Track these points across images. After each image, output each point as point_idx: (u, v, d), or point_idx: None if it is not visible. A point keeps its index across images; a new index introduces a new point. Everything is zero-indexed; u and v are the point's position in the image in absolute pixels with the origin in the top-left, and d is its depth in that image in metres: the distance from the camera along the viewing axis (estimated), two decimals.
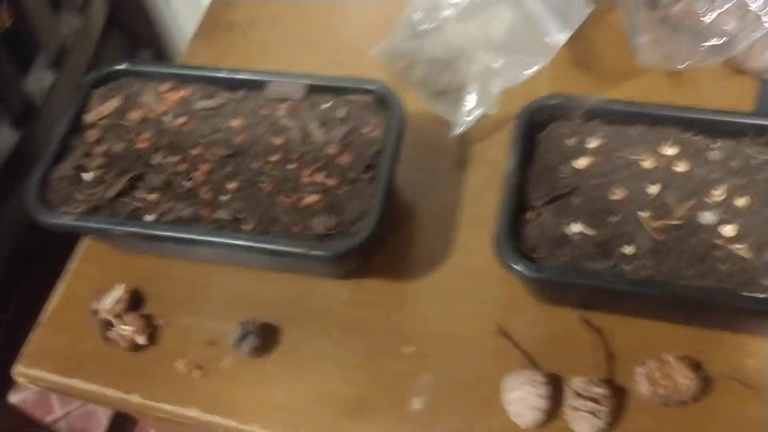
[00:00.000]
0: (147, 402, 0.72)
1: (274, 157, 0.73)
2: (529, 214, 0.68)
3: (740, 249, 0.65)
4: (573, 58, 0.89)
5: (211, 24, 0.99)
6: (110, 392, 0.73)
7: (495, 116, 0.82)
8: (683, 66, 0.79)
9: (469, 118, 0.79)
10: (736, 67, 0.84)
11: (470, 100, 0.79)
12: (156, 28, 1.45)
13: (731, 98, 0.84)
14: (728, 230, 0.66)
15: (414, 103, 0.86)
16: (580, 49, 0.89)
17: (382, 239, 0.78)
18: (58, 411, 1.66)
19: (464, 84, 0.80)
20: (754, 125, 0.70)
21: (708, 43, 0.79)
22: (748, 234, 0.66)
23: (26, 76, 1.12)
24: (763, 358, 0.68)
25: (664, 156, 0.71)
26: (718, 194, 0.68)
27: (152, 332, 0.75)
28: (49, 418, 1.65)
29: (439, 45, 0.81)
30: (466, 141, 0.84)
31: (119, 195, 0.71)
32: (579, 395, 0.65)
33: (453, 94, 0.82)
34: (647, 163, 0.70)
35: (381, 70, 0.89)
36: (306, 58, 0.93)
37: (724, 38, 0.79)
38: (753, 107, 0.82)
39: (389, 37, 0.87)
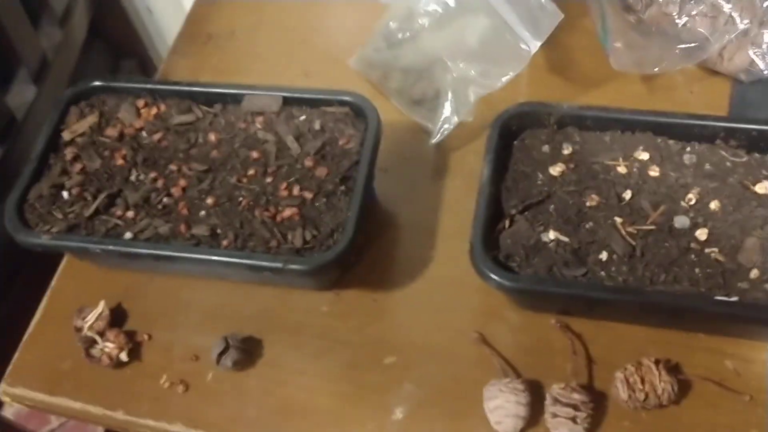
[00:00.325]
0: (131, 418, 0.72)
1: (251, 171, 0.73)
2: (504, 223, 0.69)
3: (714, 252, 0.66)
4: (549, 65, 0.89)
5: (189, 36, 0.99)
6: (94, 409, 0.73)
7: (473, 124, 0.83)
8: (657, 70, 0.80)
9: (446, 127, 0.80)
10: (710, 69, 0.85)
11: (446, 109, 0.79)
12: (139, 38, 1.45)
13: (706, 101, 0.84)
14: (702, 234, 0.67)
15: (391, 112, 0.87)
16: (556, 55, 0.89)
17: (361, 250, 0.78)
18: (53, 422, 1.66)
19: (440, 92, 0.80)
20: (725, 128, 0.70)
21: (681, 46, 0.80)
22: (720, 237, 0.67)
23: (7, 91, 1.12)
24: (742, 360, 0.69)
25: (638, 161, 0.71)
26: (691, 198, 0.69)
27: (135, 348, 0.75)
28: (44, 429, 1.65)
29: (415, 54, 0.82)
30: (444, 150, 0.84)
31: (97, 213, 0.72)
32: (558, 401, 0.66)
33: (429, 102, 0.83)
34: (622, 169, 0.71)
35: (358, 80, 0.89)
36: (283, 69, 0.93)
37: (697, 41, 0.80)
38: (728, 109, 0.83)
39: (365, 47, 0.88)
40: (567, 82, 0.88)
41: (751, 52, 0.81)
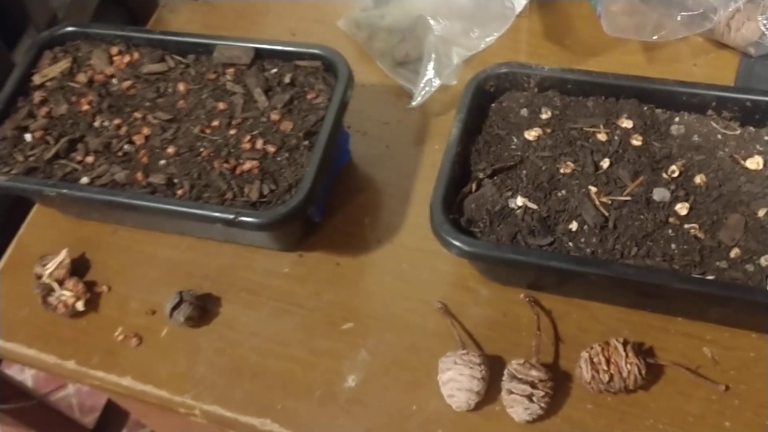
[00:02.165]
0: (81, 369, 0.71)
1: (215, 123, 0.71)
2: (470, 186, 0.65)
3: (693, 228, 0.61)
4: (546, 32, 0.85)
5: None
6: (47, 357, 0.72)
7: (457, 90, 0.79)
8: (656, 38, 0.75)
9: (427, 89, 0.76)
10: (717, 41, 0.79)
11: (428, 71, 0.76)
12: (154, 1, 1.44)
13: (710, 75, 0.79)
14: (682, 208, 0.62)
15: (376, 74, 0.83)
16: (554, 22, 0.85)
17: (330, 211, 0.75)
18: (69, 388, 1.68)
19: (423, 53, 0.77)
20: (717, 97, 0.65)
21: (684, 14, 0.75)
22: (702, 213, 0.62)
23: (13, 51, 1.12)
24: (721, 348, 0.64)
25: (620, 128, 0.66)
26: (674, 170, 0.64)
27: (93, 299, 0.74)
28: (60, 394, 1.67)
29: (400, 12, 0.78)
30: (426, 115, 0.81)
31: (57, 157, 0.70)
32: (515, 378, 0.62)
33: (412, 64, 0.79)
34: (602, 136, 0.66)
35: (345, 42, 0.86)
36: (270, 28, 0.91)
37: (702, 8, 0.74)
38: (733, 84, 0.77)
39: (352, 8, 0.85)
40: (564, 50, 0.83)
41: (761, 23, 0.75)
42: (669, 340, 0.65)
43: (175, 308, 0.69)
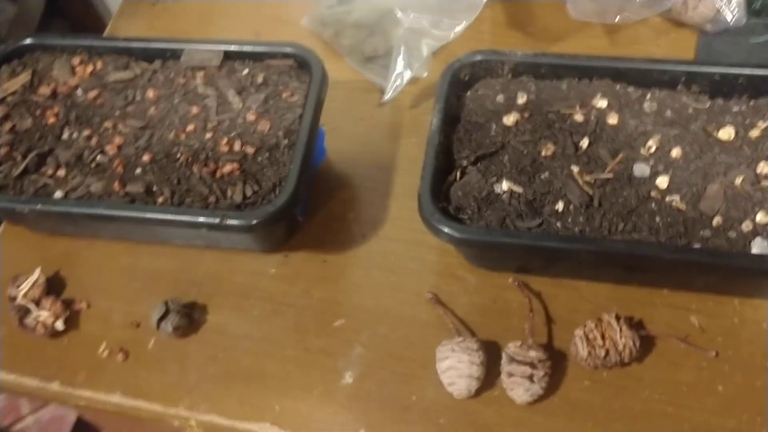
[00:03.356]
0: (66, 390, 0.68)
1: (190, 127, 0.69)
2: (455, 174, 0.65)
3: (674, 201, 0.62)
4: (509, 20, 0.86)
5: None
6: (29, 381, 0.69)
7: (428, 83, 0.79)
8: (618, 19, 0.76)
9: (398, 83, 0.76)
10: (675, 20, 0.82)
11: (398, 64, 0.76)
12: (99, 16, 1.41)
13: (671, 53, 0.81)
14: (662, 182, 0.63)
15: (344, 72, 0.83)
16: (514, 10, 0.86)
17: (311, 210, 0.75)
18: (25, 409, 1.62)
19: (392, 47, 0.77)
20: (686, 73, 0.67)
21: None
22: (682, 185, 0.63)
23: None
24: (707, 316, 0.66)
25: (596, 109, 0.68)
26: (651, 146, 0.65)
27: (72, 316, 0.71)
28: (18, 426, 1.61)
29: (366, 7, 0.78)
30: (399, 109, 0.81)
31: (26, 172, 0.68)
32: (513, 360, 0.62)
33: (382, 59, 0.79)
34: (579, 117, 0.67)
35: (311, 40, 0.86)
36: (232, 32, 0.90)
37: None
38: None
39: (317, 5, 0.84)
40: (528, 37, 0.85)
41: (716, 1, 0.78)
42: (656, 312, 0.66)
43: (162, 318, 0.68)
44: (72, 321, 0.71)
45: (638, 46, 0.82)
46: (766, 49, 0.79)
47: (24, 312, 0.70)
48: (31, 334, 0.70)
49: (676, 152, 0.65)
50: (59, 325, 0.70)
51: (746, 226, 0.61)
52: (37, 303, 0.70)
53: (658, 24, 0.83)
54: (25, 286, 0.71)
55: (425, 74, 0.78)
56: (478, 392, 0.63)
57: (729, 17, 0.77)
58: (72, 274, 0.74)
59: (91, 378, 0.69)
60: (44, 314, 0.70)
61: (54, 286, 0.73)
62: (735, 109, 0.67)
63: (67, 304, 0.71)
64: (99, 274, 0.74)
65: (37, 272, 0.72)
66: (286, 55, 0.71)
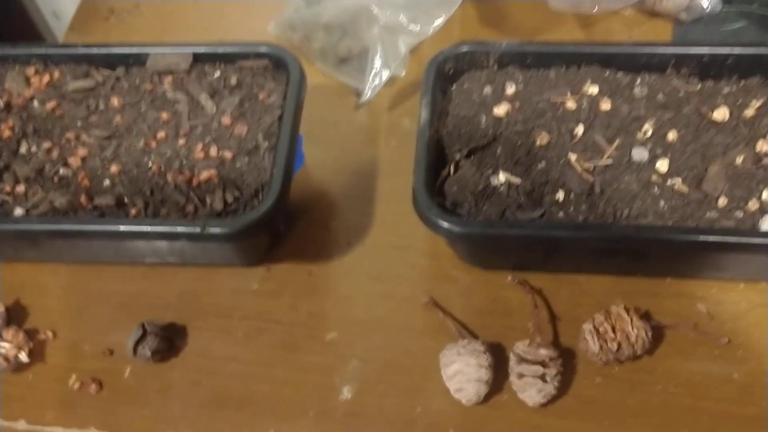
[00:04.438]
0: (35, 428, 0.62)
1: (161, 134, 0.65)
2: (448, 169, 0.62)
3: (677, 183, 0.60)
4: (483, 19, 0.84)
5: (88, 12, 0.90)
6: None
7: (406, 83, 0.77)
8: (594, 10, 0.75)
9: (376, 83, 0.73)
10: (650, 11, 0.81)
11: (375, 63, 0.73)
12: (39, 31, 1.35)
13: None
14: (662, 165, 0.61)
15: (316, 76, 0.79)
16: (486, 8, 0.84)
17: (292, 220, 0.70)
18: None
19: (367, 47, 0.74)
20: (676, 55, 0.66)
21: None
22: (682, 168, 0.61)
23: None
24: (713, 303, 0.63)
25: (587, 95, 0.66)
26: (647, 129, 0.63)
27: (37, 348, 0.65)
28: None
29: (336, 7, 0.75)
30: (377, 111, 0.78)
31: None
32: (524, 360, 0.59)
33: (356, 60, 0.76)
34: (571, 104, 0.65)
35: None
36: (196, 35, 0.86)
37: None
38: None
39: (284, 10, 0.81)
40: (502, 35, 0.83)
41: None
42: (661, 302, 0.64)
43: (138, 342, 0.62)
44: (37, 353, 0.65)
45: (614, 36, 0.81)
46: (740, 36, 0.79)
47: None
48: None
49: (672, 135, 0.63)
50: (23, 357, 0.64)
51: (753, 204, 0.59)
52: None
53: (632, 16, 0.82)
54: None
55: (404, 73, 0.75)
56: (487, 397, 0.60)
57: (705, 4, 0.77)
58: (34, 303, 0.68)
59: (61, 414, 0.62)
60: (6, 346, 0.63)
61: (15, 316, 0.67)
62: (726, 90, 0.65)
63: (31, 334, 0.65)
64: (64, 301, 0.68)
65: None
66: (259, 55, 0.68)
